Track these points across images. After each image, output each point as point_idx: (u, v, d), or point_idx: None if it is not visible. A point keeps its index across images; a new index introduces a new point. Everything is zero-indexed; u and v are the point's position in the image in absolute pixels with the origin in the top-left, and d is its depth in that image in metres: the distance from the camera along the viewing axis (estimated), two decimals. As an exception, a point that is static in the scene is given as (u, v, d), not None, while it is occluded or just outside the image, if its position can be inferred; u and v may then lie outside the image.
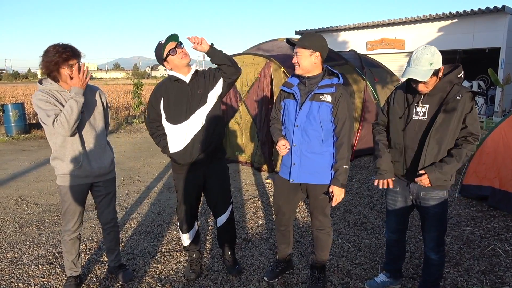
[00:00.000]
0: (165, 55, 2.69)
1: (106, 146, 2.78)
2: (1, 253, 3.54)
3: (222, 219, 3.03)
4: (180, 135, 2.79)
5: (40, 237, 3.88)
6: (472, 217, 4.22)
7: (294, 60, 2.60)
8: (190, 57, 2.77)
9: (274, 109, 2.84)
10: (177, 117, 2.77)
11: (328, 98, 2.55)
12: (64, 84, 2.56)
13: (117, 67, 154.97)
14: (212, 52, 2.69)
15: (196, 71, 2.83)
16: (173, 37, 2.71)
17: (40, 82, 2.59)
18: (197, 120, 2.78)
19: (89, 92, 2.70)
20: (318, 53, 2.56)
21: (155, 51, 2.75)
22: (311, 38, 2.58)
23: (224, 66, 2.73)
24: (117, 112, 14.67)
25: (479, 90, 13.01)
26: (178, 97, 2.77)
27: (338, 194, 2.58)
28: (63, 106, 2.53)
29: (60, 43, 2.49)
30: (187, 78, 2.76)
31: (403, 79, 2.36)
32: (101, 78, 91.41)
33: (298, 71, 2.60)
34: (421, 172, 2.36)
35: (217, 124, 2.88)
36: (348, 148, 2.57)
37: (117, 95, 22.00)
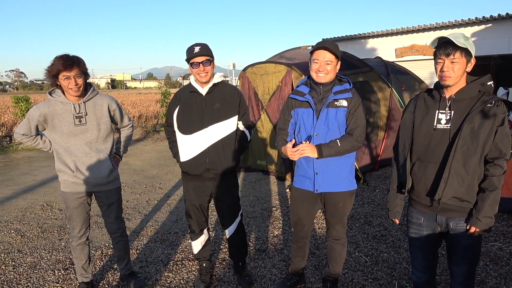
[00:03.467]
0: (189, 61, 2.67)
1: (106, 156, 2.75)
2: (22, 257, 3.64)
3: (230, 231, 3.00)
4: (188, 146, 2.78)
5: (60, 243, 3.97)
6: (502, 232, 3.96)
7: (321, 68, 2.46)
8: (210, 77, 2.70)
9: (282, 119, 2.73)
10: (188, 128, 2.76)
11: (344, 103, 2.50)
12: (68, 96, 2.61)
13: (150, 76, 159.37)
14: None
15: (216, 84, 2.76)
16: (206, 51, 2.64)
17: (50, 93, 2.64)
18: (210, 135, 2.74)
19: (94, 103, 2.70)
20: (340, 62, 2.56)
21: (187, 51, 2.67)
22: (337, 47, 2.52)
23: None
24: (146, 121, 15.01)
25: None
26: (191, 108, 2.76)
27: (307, 149, 2.44)
28: (54, 122, 2.60)
29: (61, 54, 2.53)
30: (204, 91, 2.74)
31: (431, 46, 2.03)
32: (135, 88, 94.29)
33: (322, 79, 2.49)
34: (468, 228, 2.01)
35: (233, 148, 2.82)
36: (352, 139, 2.46)
37: (148, 104, 22.55)
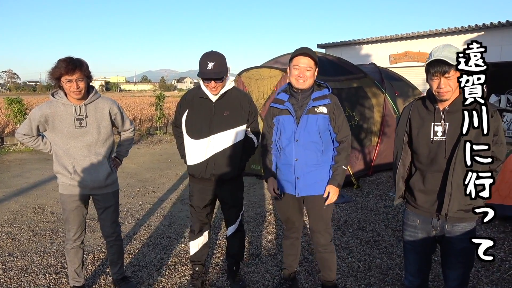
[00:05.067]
0: (200, 76, 2.62)
1: (105, 159, 2.75)
2: (12, 261, 3.60)
3: (230, 230, 3.02)
4: (196, 150, 2.78)
5: (52, 246, 3.93)
6: (493, 239, 3.99)
7: (301, 74, 2.51)
8: (220, 91, 2.70)
9: (266, 126, 2.79)
10: (196, 133, 2.76)
11: (324, 109, 2.56)
12: (70, 98, 2.62)
13: (144, 79, 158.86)
14: None
15: (226, 92, 2.75)
16: (219, 68, 2.57)
17: (53, 94, 2.66)
18: (217, 142, 2.74)
19: (95, 106, 2.70)
20: (317, 69, 2.61)
21: (200, 63, 2.62)
22: (315, 54, 2.58)
23: None
24: (140, 124, 14.95)
25: (508, 105, 12.52)
26: (200, 114, 2.75)
27: (333, 193, 2.58)
28: (55, 123, 2.60)
29: (65, 57, 2.54)
30: (214, 97, 2.74)
31: (426, 65, 2.03)
32: (129, 90, 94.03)
33: (302, 85, 2.55)
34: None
35: (239, 156, 2.83)
36: (348, 151, 2.63)
37: (142, 107, 22.45)
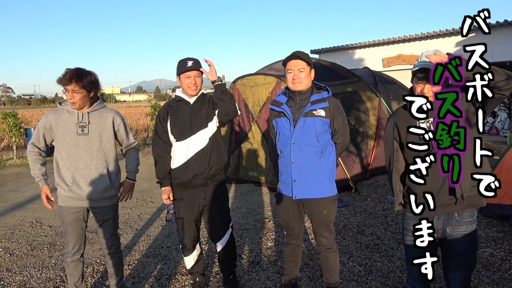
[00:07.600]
0: (180, 73, 2.80)
1: (105, 171, 2.73)
2: (10, 276, 3.57)
3: (222, 243, 2.98)
4: (181, 152, 2.84)
5: (50, 260, 3.90)
6: (493, 238, 4.01)
7: (295, 76, 2.57)
8: (199, 90, 2.83)
9: (269, 128, 2.91)
10: (179, 134, 2.84)
11: (322, 112, 2.58)
12: (73, 105, 2.66)
13: (139, 90, 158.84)
14: (218, 86, 2.80)
15: (203, 94, 2.90)
16: (197, 66, 2.79)
17: (60, 103, 2.73)
18: (197, 141, 2.82)
19: (99, 115, 2.73)
20: (313, 70, 2.65)
21: (180, 64, 2.83)
22: (308, 55, 2.64)
23: (222, 102, 2.80)
24: (136, 134, 14.93)
25: (501, 105, 12.63)
26: (180, 116, 2.85)
27: None
28: (58, 130, 2.65)
29: (73, 68, 2.62)
30: (191, 100, 2.86)
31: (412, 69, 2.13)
32: (124, 101, 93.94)
33: (298, 87, 2.60)
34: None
35: (219, 149, 2.90)
36: (342, 146, 2.72)
37: (137, 117, 22.46)
